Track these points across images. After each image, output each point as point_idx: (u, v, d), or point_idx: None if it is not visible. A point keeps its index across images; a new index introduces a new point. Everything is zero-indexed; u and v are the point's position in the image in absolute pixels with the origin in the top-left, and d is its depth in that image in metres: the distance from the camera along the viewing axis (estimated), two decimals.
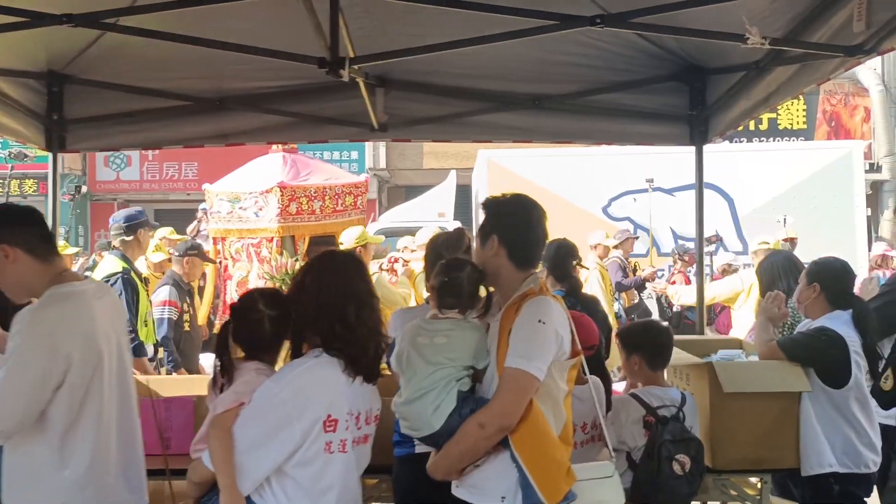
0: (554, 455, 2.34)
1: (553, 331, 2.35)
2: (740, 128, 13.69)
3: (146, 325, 4.92)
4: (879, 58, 15.12)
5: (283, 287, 5.52)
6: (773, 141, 14.38)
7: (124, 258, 4.87)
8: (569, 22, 2.68)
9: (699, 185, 4.49)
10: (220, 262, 6.34)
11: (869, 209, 11.45)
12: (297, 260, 5.95)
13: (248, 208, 6.20)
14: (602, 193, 9.77)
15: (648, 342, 3.23)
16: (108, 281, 4.58)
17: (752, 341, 3.97)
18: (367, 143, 14.97)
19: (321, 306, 2.32)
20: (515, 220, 2.53)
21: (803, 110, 15.24)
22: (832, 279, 3.34)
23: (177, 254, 5.62)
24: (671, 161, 8.87)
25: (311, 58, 2.74)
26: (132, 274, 4.81)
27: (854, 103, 15.35)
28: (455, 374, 2.42)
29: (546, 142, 4.60)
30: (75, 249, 6.30)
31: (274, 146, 6.39)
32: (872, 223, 12.42)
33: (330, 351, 2.29)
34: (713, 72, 4.17)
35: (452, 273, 2.52)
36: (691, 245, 7.61)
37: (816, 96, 15.26)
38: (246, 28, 3.24)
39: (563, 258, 4.15)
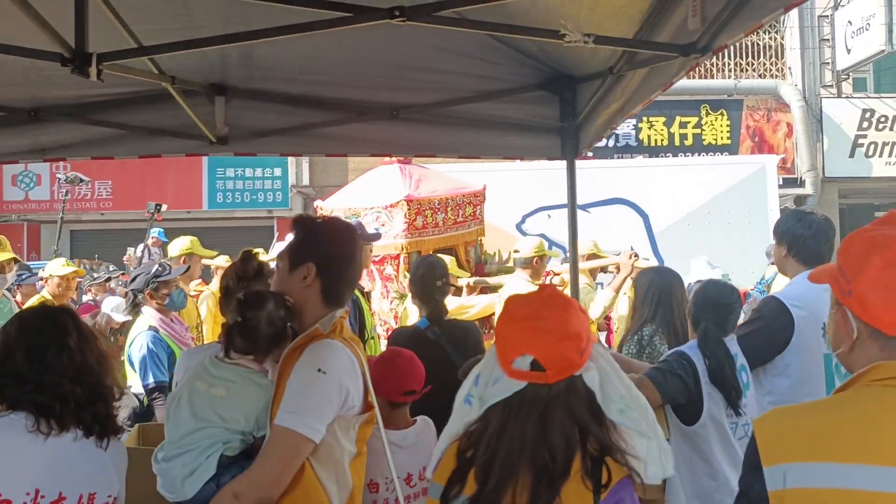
0: None
1: (336, 382, 1.98)
2: (664, 142, 13.59)
3: (372, 339, 4.78)
4: (800, 74, 15.35)
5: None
6: (699, 156, 14.38)
7: None
8: (364, 14, 2.33)
9: (571, 202, 4.18)
10: None
11: None
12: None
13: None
14: (516, 210, 9.48)
15: None
16: None
17: None
18: (289, 159, 14.51)
19: None
20: (338, 250, 2.17)
21: (727, 126, 15.31)
22: (706, 307, 3.03)
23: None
24: (586, 176, 8.64)
25: (52, 54, 2.33)
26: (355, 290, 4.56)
27: (777, 119, 15.48)
28: (223, 436, 2.01)
29: (407, 155, 4.25)
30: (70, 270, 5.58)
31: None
32: None
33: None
34: (581, 80, 3.88)
35: (249, 311, 2.10)
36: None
37: (740, 112, 15.36)
38: None
39: (424, 279, 3.76)
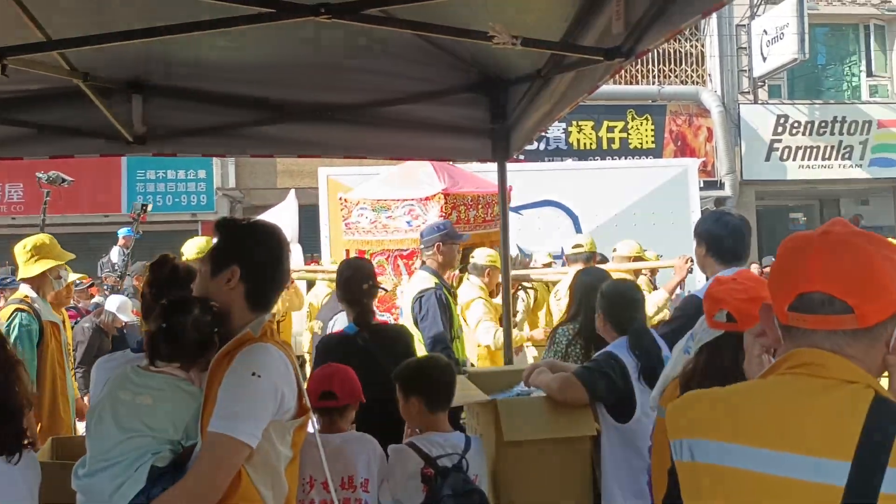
0: None
1: (271, 386, 1.92)
2: (593, 146, 13.86)
3: (457, 339, 4.71)
4: (719, 80, 15.88)
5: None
6: (625, 159, 14.70)
7: (435, 273, 4.61)
8: (288, 11, 2.27)
9: (502, 205, 4.19)
10: None
11: None
12: (460, 270, 5.41)
13: (399, 217, 5.57)
14: None
15: (426, 382, 2.84)
16: (420, 297, 4.44)
17: None
18: (213, 160, 14.13)
19: None
20: (262, 252, 2.10)
21: (651, 130, 15.70)
22: (613, 306, 3.09)
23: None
24: (517, 179, 8.71)
25: None
26: (444, 290, 4.60)
27: (698, 123, 15.96)
28: (152, 446, 1.92)
29: (335, 156, 4.18)
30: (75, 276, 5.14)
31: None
32: None
33: None
34: (512, 83, 3.89)
35: (174, 316, 2.01)
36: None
37: (663, 117, 15.78)
38: None
39: (350, 281, 3.69)
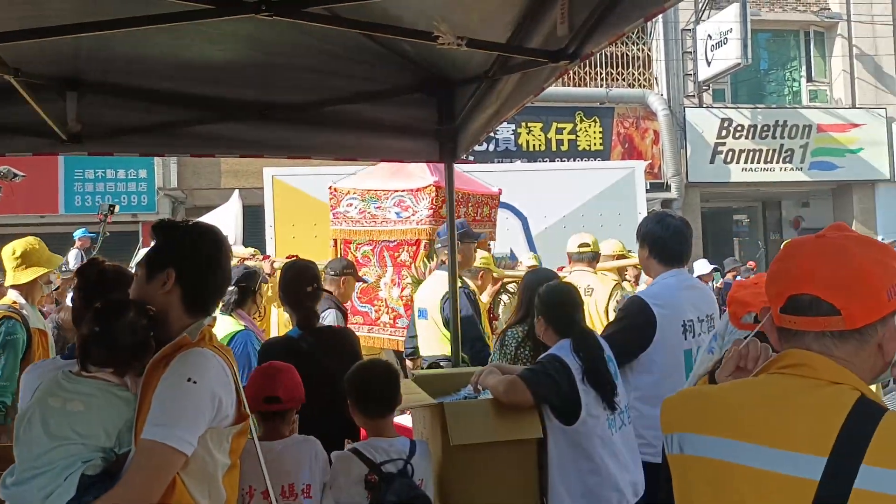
0: None
1: (208, 392, 1.88)
2: (542, 147, 13.99)
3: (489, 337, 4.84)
4: (665, 84, 16.17)
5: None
6: (574, 161, 14.86)
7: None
8: (228, 7, 2.20)
9: (450, 205, 4.16)
10: None
11: None
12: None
13: (388, 208, 5.46)
14: None
15: (361, 388, 2.80)
16: (448, 298, 4.41)
17: None
18: (156, 160, 13.79)
19: None
20: (200, 255, 2.06)
21: (600, 133, 15.91)
22: (551, 309, 3.10)
23: (332, 273, 4.84)
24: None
25: None
26: (470, 289, 4.70)
27: (644, 126, 16.23)
28: (82, 454, 1.86)
29: (279, 156, 4.10)
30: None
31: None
32: None
33: None
34: (459, 83, 3.87)
35: (107, 320, 1.95)
36: None
37: (611, 119, 16.00)
38: None
39: (292, 284, 3.62)
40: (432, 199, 5.57)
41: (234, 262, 6.72)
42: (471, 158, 12.36)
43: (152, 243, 2.14)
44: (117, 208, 9.45)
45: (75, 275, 2.45)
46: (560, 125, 15.72)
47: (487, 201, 6.31)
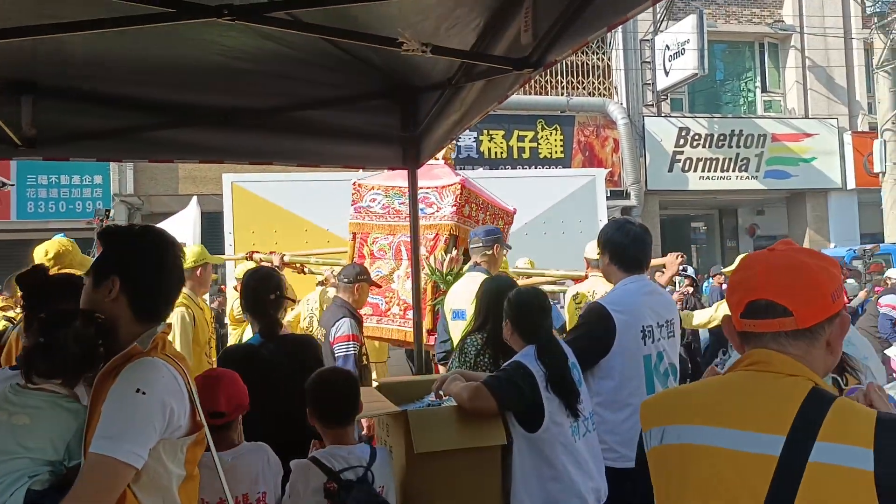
0: None
1: (158, 402, 1.83)
2: (503, 155, 14.05)
3: None
4: (625, 93, 16.40)
5: (442, 285, 5.19)
6: (535, 168, 14.96)
7: (487, 274, 4.70)
8: (189, 11, 2.17)
9: (413, 211, 4.16)
10: (354, 260, 5.76)
11: None
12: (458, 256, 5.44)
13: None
14: None
15: (319, 397, 2.78)
16: None
17: None
18: (111, 166, 13.53)
19: None
20: (143, 260, 2.00)
21: (560, 140, 16.06)
22: (518, 313, 3.11)
23: (346, 280, 4.77)
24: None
25: None
26: None
27: (605, 135, 16.42)
28: (29, 468, 1.81)
29: (240, 162, 4.05)
30: None
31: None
32: None
33: None
34: (422, 90, 3.87)
35: (52, 330, 1.90)
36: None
37: (572, 128, 16.17)
38: None
39: (256, 292, 3.58)
40: (456, 197, 5.71)
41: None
42: None
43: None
44: (112, 212, 9.24)
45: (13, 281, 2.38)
46: (521, 133, 15.83)
47: (503, 216, 6.43)
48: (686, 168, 16.64)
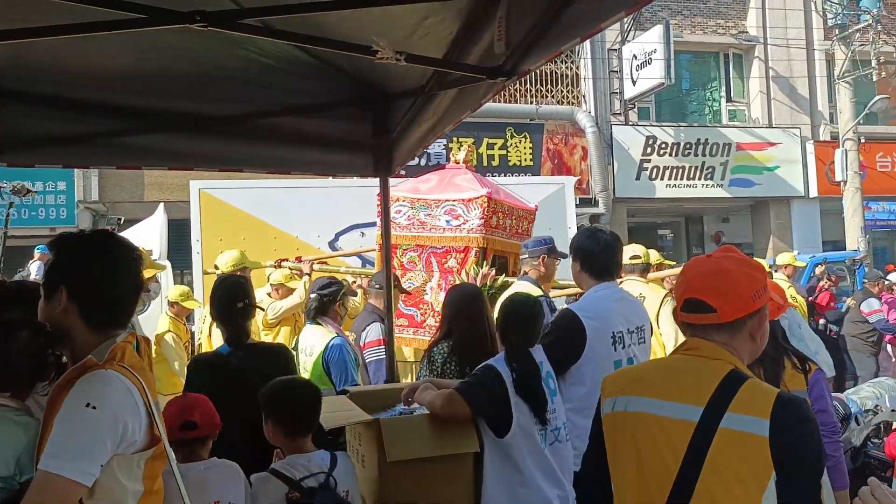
0: None
1: (110, 417, 1.77)
2: (473, 162, 14.01)
3: None
4: (593, 102, 16.56)
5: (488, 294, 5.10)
6: (504, 176, 15.02)
7: (536, 283, 4.89)
8: (161, 17, 2.14)
9: (385, 219, 4.15)
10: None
11: None
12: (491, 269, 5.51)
13: (439, 216, 5.64)
14: (328, 227, 9.32)
15: (279, 406, 2.77)
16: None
17: None
18: (75, 172, 13.29)
19: None
20: (89, 267, 1.93)
21: (530, 148, 16.14)
22: (502, 317, 3.15)
23: (377, 287, 4.87)
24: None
25: None
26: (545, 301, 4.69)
27: (573, 143, 16.55)
28: None
29: (209, 169, 4.01)
30: None
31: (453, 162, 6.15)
32: None
33: None
34: (395, 98, 3.86)
35: None
36: None
37: (541, 136, 16.26)
38: None
39: (223, 300, 3.55)
40: (483, 210, 5.77)
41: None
42: (402, 173, 12.36)
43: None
44: (122, 220, 9.14)
45: None
46: (491, 141, 15.88)
47: (526, 216, 6.54)
48: (653, 176, 16.83)
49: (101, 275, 1.93)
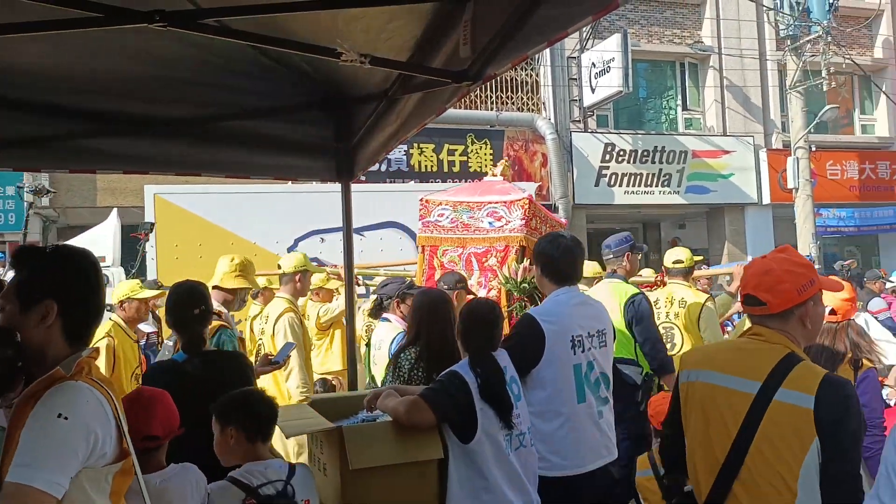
0: None
1: (81, 428, 1.74)
2: (434, 168, 14.04)
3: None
4: (553, 109, 16.69)
5: (516, 293, 5.44)
6: (465, 182, 15.02)
7: (625, 280, 5.16)
8: (119, 17, 2.08)
9: (347, 225, 4.11)
10: (424, 272, 6.08)
11: None
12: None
13: (481, 218, 5.93)
14: (287, 233, 9.23)
15: (246, 412, 2.74)
16: (631, 301, 4.99)
17: None
18: (25, 176, 12.80)
19: None
20: (80, 283, 1.94)
21: (490, 154, 16.20)
22: (463, 323, 3.13)
23: (446, 287, 4.90)
24: (359, 200, 8.63)
25: None
26: (643, 296, 5.10)
27: (533, 149, 16.66)
28: None
29: (166, 173, 3.92)
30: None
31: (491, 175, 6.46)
32: None
33: None
34: (357, 101, 3.82)
35: None
36: None
37: (501, 142, 16.33)
38: None
39: (179, 306, 3.47)
40: (525, 211, 5.98)
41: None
42: (363, 178, 12.31)
43: (10, 272, 1.99)
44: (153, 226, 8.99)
45: None
46: (452, 147, 15.90)
47: (555, 226, 6.84)
48: (612, 183, 17.02)
49: (90, 291, 1.97)
